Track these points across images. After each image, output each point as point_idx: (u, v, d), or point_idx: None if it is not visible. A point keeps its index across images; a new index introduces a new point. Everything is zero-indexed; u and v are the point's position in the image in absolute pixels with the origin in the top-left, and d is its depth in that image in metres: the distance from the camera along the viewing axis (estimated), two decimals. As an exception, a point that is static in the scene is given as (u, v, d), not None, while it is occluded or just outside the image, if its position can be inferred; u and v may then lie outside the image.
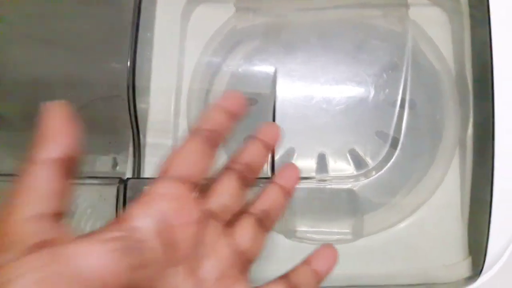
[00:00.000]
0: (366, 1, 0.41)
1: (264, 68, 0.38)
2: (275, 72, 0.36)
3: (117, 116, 0.47)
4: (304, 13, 0.42)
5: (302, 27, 0.41)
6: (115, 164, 0.47)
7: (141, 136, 0.36)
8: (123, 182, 0.32)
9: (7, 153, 0.54)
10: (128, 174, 0.36)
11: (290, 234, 0.34)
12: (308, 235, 0.34)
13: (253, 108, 0.39)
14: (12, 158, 0.48)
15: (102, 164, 0.50)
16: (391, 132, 0.35)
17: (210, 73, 0.40)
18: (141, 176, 0.35)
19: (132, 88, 0.34)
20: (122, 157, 0.55)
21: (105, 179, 0.33)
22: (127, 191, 0.31)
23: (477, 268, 0.32)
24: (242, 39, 0.41)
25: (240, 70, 0.40)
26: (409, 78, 0.36)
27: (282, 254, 0.34)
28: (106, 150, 0.54)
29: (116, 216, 0.32)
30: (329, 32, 0.40)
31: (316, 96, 0.37)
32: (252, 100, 0.39)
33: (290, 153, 0.37)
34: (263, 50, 0.40)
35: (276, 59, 0.39)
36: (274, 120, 0.34)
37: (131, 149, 0.37)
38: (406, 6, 0.40)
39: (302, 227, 0.34)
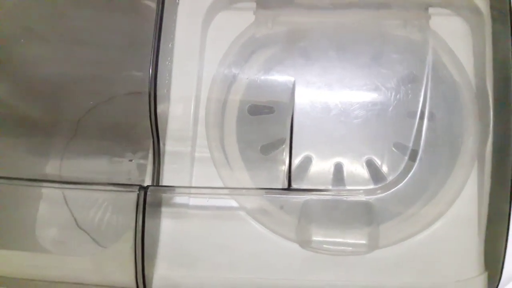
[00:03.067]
0: (386, 11, 0.41)
1: (282, 77, 0.38)
2: (294, 82, 0.36)
3: (136, 123, 0.48)
4: (322, 23, 0.42)
5: (320, 37, 0.41)
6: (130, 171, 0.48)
7: (161, 144, 0.36)
8: (144, 189, 0.33)
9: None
10: (148, 181, 0.37)
11: (306, 244, 0.34)
12: (323, 245, 0.34)
13: (270, 117, 0.40)
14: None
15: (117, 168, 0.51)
16: (409, 144, 0.35)
17: (227, 81, 0.40)
18: (160, 183, 0.36)
19: (153, 96, 0.34)
20: (139, 163, 0.56)
21: (125, 186, 0.34)
22: (147, 198, 0.32)
23: (493, 283, 0.32)
24: (261, 48, 0.41)
25: (257, 78, 0.41)
26: (428, 90, 0.36)
27: (297, 263, 0.35)
28: (123, 155, 0.55)
29: (136, 223, 0.32)
30: (347, 42, 0.40)
31: (334, 106, 0.37)
32: (269, 109, 0.40)
33: (307, 162, 0.37)
34: (281, 59, 0.41)
35: (294, 68, 0.40)
36: (291, 129, 0.35)
37: (150, 156, 0.38)
38: (427, 16, 0.40)
39: (318, 237, 0.34)
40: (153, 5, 0.41)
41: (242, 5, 0.41)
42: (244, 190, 0.35)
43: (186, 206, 0.36)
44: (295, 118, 0.35)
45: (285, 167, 0.35)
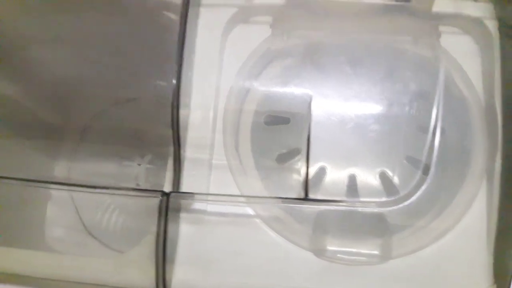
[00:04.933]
0: (397, 27, 0.43)
1: (299, 89, 0.40)
2: (311, 95, 0.38)
3: (146, 128, 0.49)
4: (336, 37, 0.43)
5: (335, 51, 0.42)
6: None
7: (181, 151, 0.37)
8: (166, 195, 0.34)
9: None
10: (167, 187, 0.38)
11: (320, 253, 0.36)
12: (337, 255, 0.35)
13: (286, 127, 0.41)
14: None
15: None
16: (421, 158, 0.37)
17: (244, 92, 0.42)
18: (180, 189, 0.37)
19: (177, 105, 0.36)
20: (147, 167, 0.57)
21: (147, 191, 0.35)
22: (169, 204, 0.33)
23: (502, 295, 0.33)
24: (276, 60, 0.43)
25: (273, 90, 0.42)
26: (439, 106, 0.38)
27: (311, 272, 0.36)
28: (132, 159, 0.56)
29: (158, 228, 0.33)
30: (361, 57, 0.42)
31: (349, 119, 0.38)
32: (285, 119, 0.41)
33: (321, 172, 0.38)
34: (296, 72, 0.42)
35: (309, 80, 0.41)
36: (308, 140, 0.36)
37: (169, 162, 0.39)
38: (438, 33, 0.41)
39: (332, 247, 0.35)
40: (173, 15, 0.42)
41: (259, 19, 0.43)
42: (261, 199, 0.36)
43: (204, 212, 0.37)
44: (311, 130, 0.37)
45: (300, 177, 0.36)
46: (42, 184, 0.43)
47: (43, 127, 0.57)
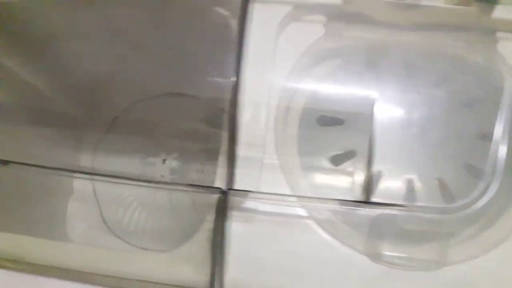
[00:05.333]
0: (453, 33, 0.42)
1: (359, 90, 0.39)
2: (374, 97, 0.37)
3: (175, 124, 0.48)
4: (390, 40, 0.43)
5: (391, 54, 0.42)
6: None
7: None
8: (224, 192, 0.33)
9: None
10: (218, 184, 0.37)
11: (375, 257, 0.35)
12: (393, 260, 0.35)
13: (341, 129, 0.40)
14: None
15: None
16: (479, 166, 0.36)
17: (297, 91, 0.41)
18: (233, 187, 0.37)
19: (235, 102, 0.35)
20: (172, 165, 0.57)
21: (205, 188, 0.35)
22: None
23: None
24: (329, 60, 0.42)
25: (326, 90, 0.41)
26: (498, 114, 0.37)
27: (364, 276, 0.35)
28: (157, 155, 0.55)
29: (215, 224, 0.33)
30: (417, 61, 0.41)
31: (407, 124, 0.38)
32: (338, 120, 0.40)
33: (378, 176, 0.38)
34: (350, 72, 0.41)
35: (367, 83, 0.40)
36: (370, 143, 0.35)
37: (221, 159, 0.38)
38: (495, 40, 0.41)
39: (387, 251, 0.35)
40: (224, 12, 0.42)
41: (312, 18, 0.42)
42: (319, 200, 0.35)
43: (255, 211, 0.37)
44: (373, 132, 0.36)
45: (356, 179, 0.35)
46: (87, 176, 0.42)
47: (73, 118, 0.57)
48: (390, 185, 0.37)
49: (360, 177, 0.35)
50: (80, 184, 0.55)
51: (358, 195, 0.34)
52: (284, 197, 0.36)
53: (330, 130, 0.40)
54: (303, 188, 0.38)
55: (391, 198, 0.36)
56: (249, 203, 0.37)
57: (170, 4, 0.45)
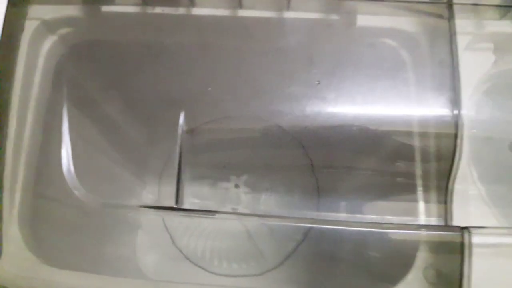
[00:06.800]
0: None
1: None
2: None
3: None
4: None
5: None
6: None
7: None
8: (465, 230, 0.33)
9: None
10: (421, 219, 0.36)
11: None
12: None
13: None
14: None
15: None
16: None
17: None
18: (449, 223, 0.36)
19: (460, 136, 0.34)
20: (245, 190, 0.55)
21: (442, 227, 0.34)
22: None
23: None
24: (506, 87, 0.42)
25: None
26: None
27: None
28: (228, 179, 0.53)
29: (461, 265, 0.32)
30: None
31: None
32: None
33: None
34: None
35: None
36: None
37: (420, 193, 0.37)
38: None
39: None
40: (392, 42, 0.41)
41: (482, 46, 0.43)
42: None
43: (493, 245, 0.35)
44: None
45: None
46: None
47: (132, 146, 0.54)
48: None
49: None
50: (147, 216, 0.52)
51: None
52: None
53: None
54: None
55: None
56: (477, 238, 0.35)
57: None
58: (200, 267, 0.52)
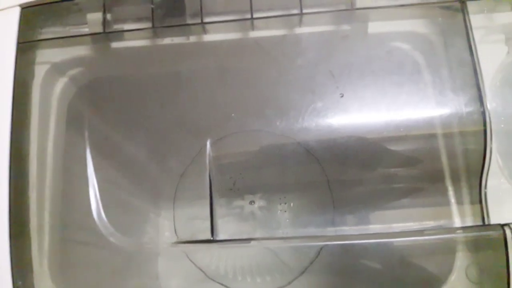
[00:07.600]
0: None
1: None
2: None
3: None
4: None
5: None
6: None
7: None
8: (505, 225, 0.32)
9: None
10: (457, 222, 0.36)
11: None
12: None
13: None
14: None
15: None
16: None
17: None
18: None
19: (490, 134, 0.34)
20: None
21: (480, 226, 0.33)
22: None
23: None
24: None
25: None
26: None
27: None
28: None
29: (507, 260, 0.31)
30: None
31: None
32: None
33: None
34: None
35: None
36: None
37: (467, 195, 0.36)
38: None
39: None
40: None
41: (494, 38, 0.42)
42: None
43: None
44: None
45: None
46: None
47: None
48: None
49: None
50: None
51: None
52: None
53: None
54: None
55: None
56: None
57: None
58: (225, 286, 0.52)
